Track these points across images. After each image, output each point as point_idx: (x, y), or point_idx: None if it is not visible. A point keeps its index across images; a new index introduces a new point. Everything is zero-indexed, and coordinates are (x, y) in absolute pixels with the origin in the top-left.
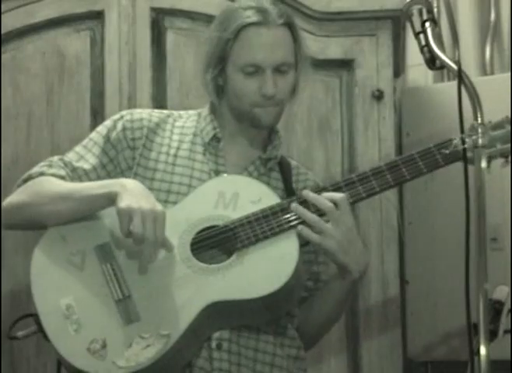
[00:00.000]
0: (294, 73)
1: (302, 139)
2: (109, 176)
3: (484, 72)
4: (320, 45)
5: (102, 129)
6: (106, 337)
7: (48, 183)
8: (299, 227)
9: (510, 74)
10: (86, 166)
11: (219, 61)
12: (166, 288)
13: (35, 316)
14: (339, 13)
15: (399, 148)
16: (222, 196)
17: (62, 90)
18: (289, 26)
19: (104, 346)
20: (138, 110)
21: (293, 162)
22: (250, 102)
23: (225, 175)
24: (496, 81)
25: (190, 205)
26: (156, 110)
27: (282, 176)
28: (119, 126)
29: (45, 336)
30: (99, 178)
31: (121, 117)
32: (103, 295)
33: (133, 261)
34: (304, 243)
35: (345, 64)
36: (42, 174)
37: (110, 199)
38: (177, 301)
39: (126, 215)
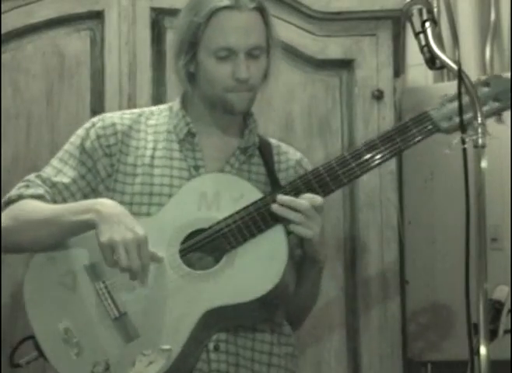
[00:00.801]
0: (266, 58)
1: (302, 139)
2: (89, 185)
3: (484, 72)
4: (321, 45)
5: (75, 139)
6: (108, 358)
7: (27, 208)
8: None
9: (510, 74)
10: (65, 180)
11: (191, 47)
12: (161, 301)
13: (34, 340)
14: (339, 13)
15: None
16: (204, 196)
17: (62, 90)
18: (261, 10)
19: (107, 368)
20: (109, 115)
21: (273, 142)
22: (223, 87)
23: (204, 174)
24: None
25: (173, 210)
26: (127, 111)
27: (263, 159)
28: (92, 134)
29: (47, 360)
30: (79, 190)
31: (93, 125)
32: (99, 315)
33: (124, 276)
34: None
35: (345, 64)
36: (21, 197)
37: (88, 226)
38: (173, 312)
39: (109, 249)
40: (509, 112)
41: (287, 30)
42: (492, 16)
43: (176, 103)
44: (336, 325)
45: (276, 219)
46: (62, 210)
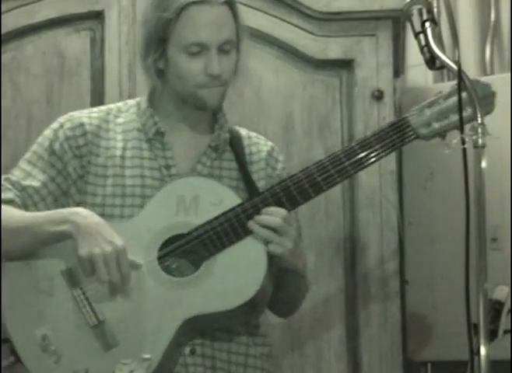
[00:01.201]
0: (236, 52)
1: (302, 139)
2: (60, 188)
3: (484, 72)
4: (320, 45)
5: (43, 141)
6: (88, 367)
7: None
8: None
9: (510, 74)
10: (35, 184)
11: (160, 43)
12: (140, 308)
13: (10, 345)
14: (339, 13)
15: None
16: (182, 200)
17: (62, 90)
18: (230, 4)
19: None
20: (77, 114)
21: (243, 132)
22: (195, 84)
23: (181, 178)
24: (496, 81)
25: (150, 214)
26: (95, 109)
27: (235, 154)
28: (61, 136)
29: (24, 365)
30: (50, 193)
31: (61, 126)
32: (77, 322)
33: (102, 283)
34: None
35: (345, 64)
36: None
37: (64, 237)
38: (153, 320)
39: (88, 263)
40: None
41: (287, 30)
42: (492, 16)
43: (143, 101)
44: (336, 324)
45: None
46: (37, 219)
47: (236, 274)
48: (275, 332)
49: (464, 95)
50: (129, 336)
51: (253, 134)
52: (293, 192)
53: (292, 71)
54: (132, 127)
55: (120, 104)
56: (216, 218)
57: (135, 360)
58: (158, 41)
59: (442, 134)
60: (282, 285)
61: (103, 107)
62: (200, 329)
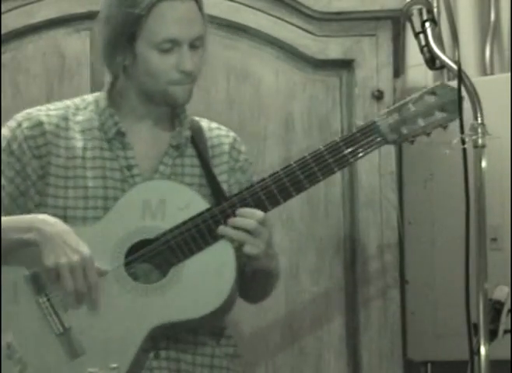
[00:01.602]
0: (203, 48)
1: (302, 139)
2: (18, 189)
3: (484, 72)
4: (320, 45)
5: (1, 141)
6: None
7: None
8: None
9: (510, 74)
10: None
11: (128, 40)
12: (107, 316)
13: None
14: (339, 13)
15: (399, 149)
16: (148, 204)
17: (62, 90)
18: (198, 0)
19: None
20: (34, 112)
21: (204, 124)
22: (167, 80)
23: (147, 181)
24: (496, 81)
25: (116, 218)
26: (51, 106)
27: (196, 150)
28: (19, 135)
29: None
30: (8, 194)
31: (19, 125)
32: (42, 330)
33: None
34: None
35: (345, 64)
36: None
37: (28, 244)
38: (120, 328)
39: (54, 272)
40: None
41: (287, 30)
42: (492, 16)
43: (102, 98)
44: (336, 324)
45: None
46: (2, 225)
47: (204, 281)
48: (274, 332)
49: (433, 98)
50: (96, 344)
51: (214, 126)
52: (262, 197)
53: (292, 71)
54: (91, 126)
55: (77, 100)
56: (184, 223)
57: (102, 369)
58: (126, 38)
59: (409, 139)
60: (253, 282)
61: (59, 104)
62: (167, 334)
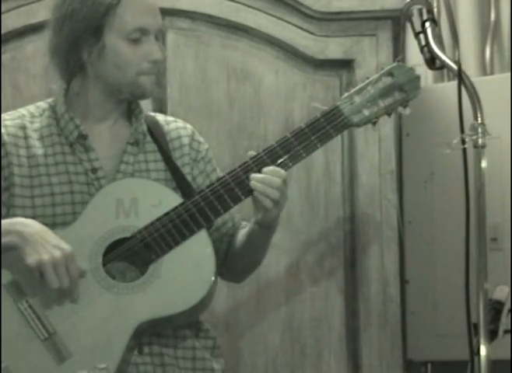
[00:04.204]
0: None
1: None
2: None
3: (484, 72)
4: (320, 45)
5: None
6: None
7: None
8: (255, 193)
9: (510, 74)
10: None
11: (94, 33)
12: (90, 317)
13: None
14: (339, 13)
15: (399, 148)
16: (121, 203)
17: None
18: None
19: None
20: None
21: (160, 118)
22: (137, 71)
23: (117, 180)
24: (496, 81)
25: (90, 219)
26: (6, 116)
27: (157, 144)
28: None
29: None
30: None
31: None
32: (27, 337)
33: (48, 294)
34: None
35: (345, 64)
36: None
37: (9, 249)
38: (104, 328)
39: (37, 270)
40: None
41: (287, 30)
42: (492, 16)
43: (59, 104)
44: (336, 325)
45: (199, 225)
46: None
47: (184, 275)
48: (274, 332)
49: (390, 79)
50: (82, 346)
51: (170, 119)
52: (233, 187)
53: (292, 71)
54: (50, 132)
55: (30, 108)
56: (159, 219)
57: (91, 370)
58: (92, 31)
59: (373, 120)
60: (250, 244)
61: (13, 113)
62: (152, 330)
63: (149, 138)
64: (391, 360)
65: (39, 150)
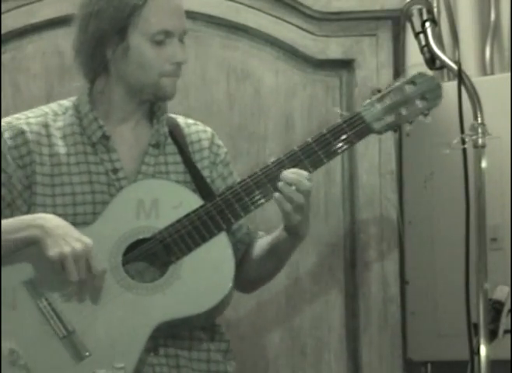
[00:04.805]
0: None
1: (302, 139)
2: (4, 201)
3: (484, 72)
4: (320, 45)
5: None
6: None
7: None
8: (277, 195)
9: (510, 74)
10: None
11: (119, 33)
12: (109, 316)
13: None
14: (339, 13)
15: (399, 148)
16: (142, 204)
17: (62, 90)
18: None
19: None
20: (14, 121)
21: (181, 121)
22: (160, 72)
23: (139, 181)
24: (496, 81)
25: (111, 219)
26: (30, 114)
27: (177, 146)
28: (2, 147)
29: None
30: None
31: (1, 135)
32: (45, 334)
33: (67, 292)
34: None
35: (345, 64)
36: None
37: (30, 243)
38: (123, 327)
39: (58, 263)
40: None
41: (287, 30)
42: (492, 16)
43: (83, 103)
44: (336, 325)
45: (219, 227)
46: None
47: (204, 277)
48: (274, 332)
49: (412, 87)
50: (100, 345)
51: (191, 122)
52: (253, 188)
53: (292, 71)
54: (73, 131)
55: (54, 106)
56: (179, 221)
57: (108, 370)
58: (117, 31)
59: (394, 128)
60: (277, 248)
61: (38, 111)
62: (169, 331)
63: (169, 140)
64: (391, 360)
65: (61, 148)
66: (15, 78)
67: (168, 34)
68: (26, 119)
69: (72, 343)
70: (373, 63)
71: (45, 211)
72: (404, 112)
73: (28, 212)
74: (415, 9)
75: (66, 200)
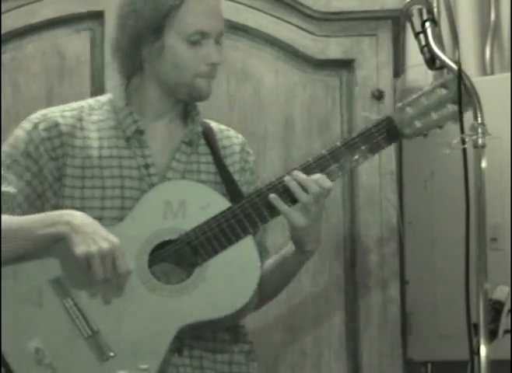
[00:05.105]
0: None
1: (302, 139)
2: (35, 191)
3: (484, 72)
4: (320, 45)
5: (17, 143)
6: None
7: None
8: (272, 195)
9: (510, 74)
10: (11, 190)
11: (155, 32)
12: (134, 317)
13: (1, 357)
14: (339, 13)
15: (399, 148)
16: (169, 205)
17: (62, 90)
18: None
19: None
20: (50, 113)
21: (214, 126)
22: (194, 73)
23: (166, 182)
24: (496, 81)
25: (138, 219)
26: (67, 107)
27: (210, 147)
28: (36, 138)
29: None
30: (26, 198)
31: (35, 127)
32: (70, 334)
33: (93, 292)
34: None
35: (345, 64)
36: None
37: (58, 239)
38: (148, 329)
39: (85, 261)
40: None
41: (287, 30)
42: (492, 16)
43: (119, 98)
44: (336, 325)
45: (245, 230)
46: (28, 223)
47: (229, 280)
48: (275, 332)
49: (444, 91)
50: (124, 346)
51: (223, 127)
52: (281, 191)
53: (292, 71)
54: (107, 125)
55: (90, 101)
56: (206, 223)
57: (132, 370)
58: (153, 30)
59: (424, 132)
60: (284, 261)
61: (74, 105)
62: (194, 333)
63: (202, 141)
64: (391, 360)
65: (94, 142)
66: (15, 78)
67: (204, 35)
68: (61, 112)
69: (97, 343)
70: (373, 63)
71: (73, 203)
72: (435, 116)
73: (57, 204)
74: (415, 9)
75: (95, 193)
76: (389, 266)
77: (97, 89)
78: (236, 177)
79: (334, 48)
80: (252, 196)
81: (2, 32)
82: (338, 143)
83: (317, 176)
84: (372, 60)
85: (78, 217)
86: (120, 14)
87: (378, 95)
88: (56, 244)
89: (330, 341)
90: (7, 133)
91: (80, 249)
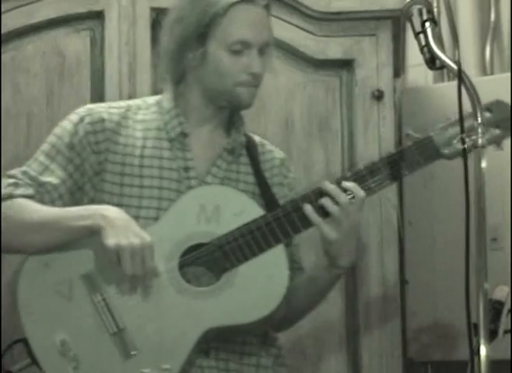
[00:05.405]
0: (268, 56)
1: (302, 139)
2: (76, 184)
3: (484, 72)
4: (320, 45)
5: (63, 134)
6: None
7: (19, 210)
8: (306, 206)
9: (510, 74)
10: (54, 180)
11: (199, 39)
12: (160, 317)
13: (25, 345)
14: (339, 13)
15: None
16: (204, 209)
17: (62, 90)
18: (268, 8)
19: None
20: (97, 109)
21: (257, 139)
22: (235, 81)
23: (203, 186)
24: (496, 81)
25: (172, 221)
26: (114, 104)
27: (250, 158)
28: (81, 131)
29: (41, 368)
30: (68, 190)
31: (81, 120)
32: (97, 328)
33: (122, 290)
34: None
35: (345, 64)
36: (11, 196)
37: (92, 231)
38: (173, 330)
39: (115, 254)
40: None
41: (287, 30)
42: (492, 16)
43: (167, 100)
44: (336, 325)
45: (277, 239)
46: (64, 214)
47: (257, 287)
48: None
49: (487, 114)
50: (148, 345)
51: (265, 142)
52: (315, 203)
53: (292, 71)
54: (153, 126)
55: (138, 101)
56: (238, 229)
57: (154, 369)
58: (197, 37)
59: (462, 155)
60: (310, 282)
61: (122, 103)
62: (218, 337)
63: (244, 151)
64: (391, 360)
65: (137, 141)
66: (15, 78)
67: (246, 45)
68: (108, 108)
69: (122, 340)
70: (373, 63)
71: (111, 199)
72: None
73: (95, 198)
74: (415, 9)
75: (133, 192)
76: (389, 266)
77: (97, 89)
78: (274, 190)
79: (334, 48)
80: (286, 206)
81: (2, 32)
82: (376, 159)
83: (349, 184)
84: (372, 60)
85: (113, 212)
86: (167, 21)
87: (378, 95)
88: (90, 238)
89: (330, 341)
90: (7, 133)
91: (111, 241)
